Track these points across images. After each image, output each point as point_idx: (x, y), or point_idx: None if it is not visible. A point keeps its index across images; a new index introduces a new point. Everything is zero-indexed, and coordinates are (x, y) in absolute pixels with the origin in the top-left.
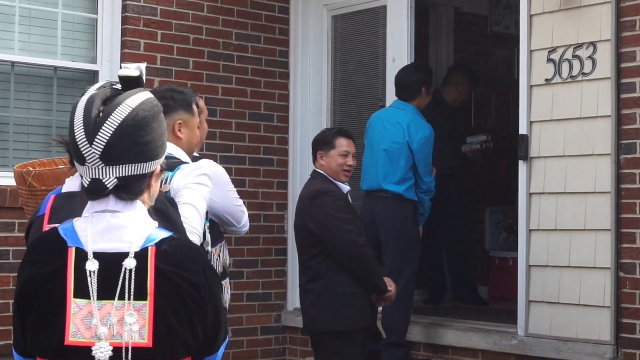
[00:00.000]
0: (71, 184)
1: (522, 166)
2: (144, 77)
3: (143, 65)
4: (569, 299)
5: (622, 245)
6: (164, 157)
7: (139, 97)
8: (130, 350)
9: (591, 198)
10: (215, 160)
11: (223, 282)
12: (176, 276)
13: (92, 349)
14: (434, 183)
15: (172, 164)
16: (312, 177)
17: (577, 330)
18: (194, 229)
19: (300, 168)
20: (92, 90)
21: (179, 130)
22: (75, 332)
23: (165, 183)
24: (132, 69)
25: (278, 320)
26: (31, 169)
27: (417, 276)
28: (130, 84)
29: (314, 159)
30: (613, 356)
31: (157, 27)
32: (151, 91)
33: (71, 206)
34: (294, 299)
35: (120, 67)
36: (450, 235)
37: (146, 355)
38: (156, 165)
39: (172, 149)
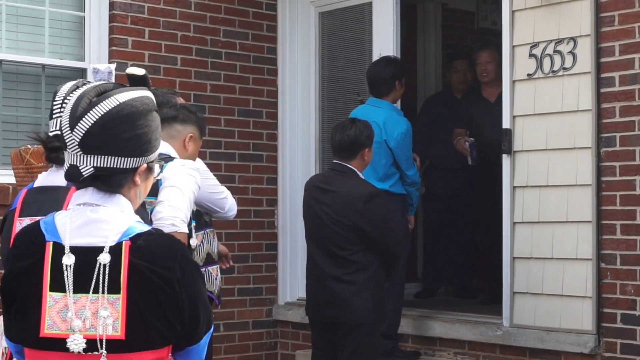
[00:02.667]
0: (44, 179)
1: (505, 160)
2: (114, 77)
3: (113, 66)
4: (552, 290)
5: (603, 237)
6: (153, 156)
7: (131, 94)
8: (104, 343)
9: (573, 191)
10: (204, 157)
11: (211, 269)
12: (149, 271)
13: (67, 340)
14: (419, 174)
15: (165, 159)
16: (344, 172)
17: (560, 320)
18: (178, 208)
19: (290, 163)
20: (65, 88)
21: (188, 142)
22: (51, 325)
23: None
24: (139, 68)
25: (269, 314)
26: (29, 146)
27: (413, 269)
28: (135, 82)
29: (355, 155)
30: (595, 345)
31: (144, 24)
32: (182, 105)
33: (42, 200)
34: (284, 293)
35: (93, 68)
36: (458, 230)
37: (120, 347)
38: (141, 162)
39: (168, 150)
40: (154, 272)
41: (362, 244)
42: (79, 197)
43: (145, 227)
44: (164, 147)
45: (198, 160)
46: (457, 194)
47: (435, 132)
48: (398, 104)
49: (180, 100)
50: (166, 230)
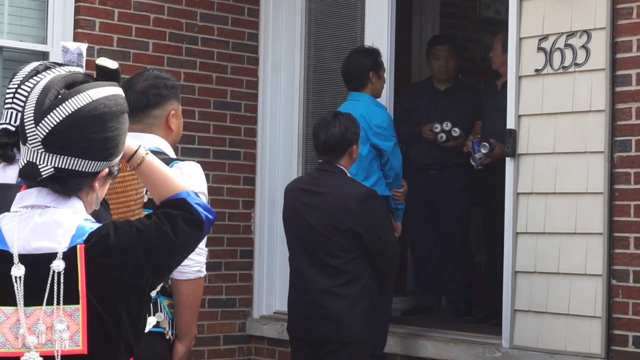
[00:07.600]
0: None
1: (509, 163)
2: (84, 59)
3: (84, 46)
4: (558, 309)
5: (615, 251)
6: (116, 160)
7: (104, 91)
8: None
9: (583, 199)
10: (176, 153)
11: (163, 300)
12: (109, 268)
13: (21, 359)
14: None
15: (165, 161)
16: (333, 172)
17: (566, 342)
18: (203, 250)
19: (270, 162)
20: (22, 74)
21: (172, 120)
22: (4, 343)
23: None
24: (112, 61)
25: (243, 328)
26: None
27: (402, 281)
28: (105, 75)
29: (342, 154)
30: None
31: (114, 5)
32: (138, 76)
33: None
34: (260, 306)
35: (62, 47)
36: (444, 237)
37: None
38: (103, 167)
39: (160, 144)
40: (114, 266)
41: (356, 250)
42: (26, 197)
43: (95, 224)
44: (157, 142)
45: (196, 166)
46: (437, 197)
47: (413, 128)
48: (391, 98)
49: None
50: (192, 277)
